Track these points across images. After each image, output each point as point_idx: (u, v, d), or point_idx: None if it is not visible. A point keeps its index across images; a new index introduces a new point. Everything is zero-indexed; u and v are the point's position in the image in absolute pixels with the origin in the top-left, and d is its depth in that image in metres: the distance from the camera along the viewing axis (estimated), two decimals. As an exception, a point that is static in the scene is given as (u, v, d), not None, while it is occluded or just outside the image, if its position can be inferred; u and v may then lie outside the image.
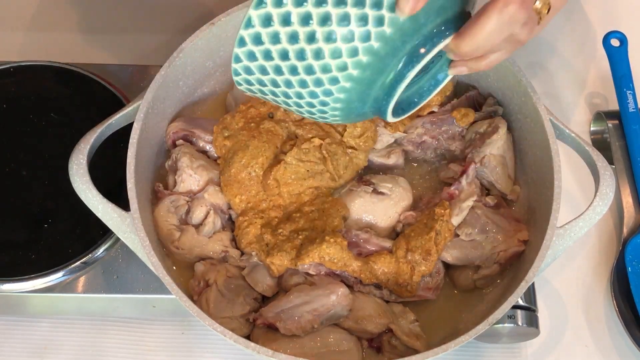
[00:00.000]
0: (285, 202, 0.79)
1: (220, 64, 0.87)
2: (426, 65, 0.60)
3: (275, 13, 0.55)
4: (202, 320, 0.68)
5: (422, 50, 0.56)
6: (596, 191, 0.74)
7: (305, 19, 0.54)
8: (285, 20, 0.55)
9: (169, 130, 0.82)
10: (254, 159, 0.79)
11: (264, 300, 0.77)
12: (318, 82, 0.57)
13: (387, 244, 0.77)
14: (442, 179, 0.84)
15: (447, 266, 0.79)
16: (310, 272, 0.75)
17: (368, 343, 0.76)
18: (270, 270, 0.75)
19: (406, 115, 0.64)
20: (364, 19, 0.54)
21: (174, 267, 0.78)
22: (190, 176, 0.79)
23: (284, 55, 0.56)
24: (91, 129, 0.76)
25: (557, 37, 1.06)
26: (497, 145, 0.80)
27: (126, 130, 0.76)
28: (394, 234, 0.80)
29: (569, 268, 0.90)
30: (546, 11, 0.58)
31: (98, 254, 0.80)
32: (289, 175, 0.78)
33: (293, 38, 0.55)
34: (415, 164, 0.86)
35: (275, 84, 0.59)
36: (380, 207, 0.79)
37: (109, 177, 0.79)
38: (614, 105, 0.96)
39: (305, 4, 0.54)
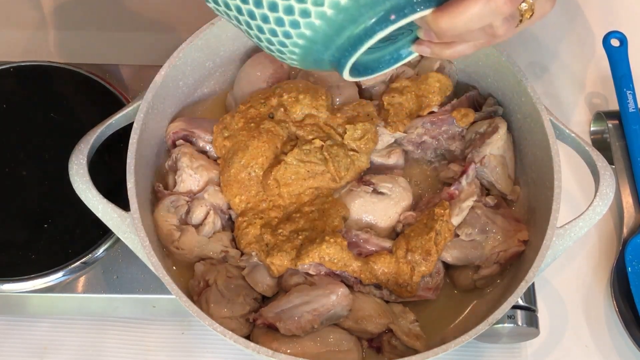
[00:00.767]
0: (285, 202, 0.79)
1: (220, 64, 0.87)
2: (395, 34, 0.59)
3: None
4: (202, 320, 0.68)
5: (398, 14, 0.54)
6: (596, 191, 0.74)
7: None
8: None
9: (169, 130, 0.82)
10: (253, 159, 0.79)
11: (264, 300, 0.77)
12: (289, 10, 0.55)
13: (387, 244, 0.77)
14: (442, 179, 0.84)
15: (447, 266, 0.79)
16: (310, 272, 0.75)
17: (368, 343, 0.76)
18: (270, 271, 0.75)
19: (358, 79, 0.62)
20: None
21: (174, 267, 0.78)
22: (190, 176, 0.79)
23: None
24: (91, 129, 0.76)
25: (557, 37, 1.06)
26: (497, 146, 0.80)
27: (126, 130, 0.76)
28: (394, 234, 0.80)
29: (569, 268, 0.90)
30: (528, 16, 0.58)
31: (98, 254, 0.80)
32: (289, 176, 0.78)
33: None
34: (415, 164, 0.86)
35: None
36: (380, 207, 0.79)
37: (109, 177, 0.79)
38: (614, 105, 0.96)
39: None
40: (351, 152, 0.80)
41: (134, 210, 0.71)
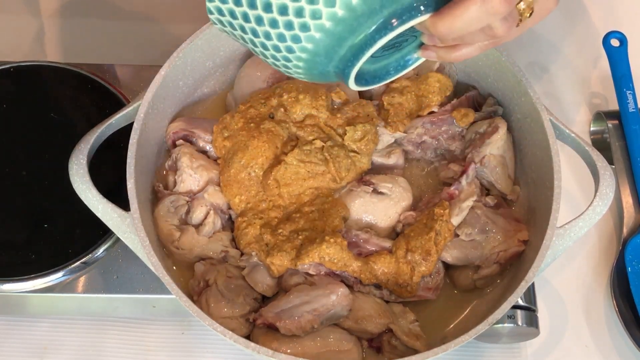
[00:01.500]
0: (285, 202, 0.79)
1: (220, 64, 0.87)
2: (399, 42, 0.59)
3: None
4: (202, 320, 0.68)
5: (396, 21, 0.55)
6: (596, 191, 0.74)
7: None
8: None
9: (169, 130, 0.82)
10: (253, 159, 0.78)
11: (264, 300, 0.77)
12: (289, 25, 0.55)
13: (387, 244, 0.77)
14: (442, 179, 0.84)
15: (447, 266, 0.79)
16: (310, 272, 0.75)
17: (368, 343, 0.76)
18: (270, 271, 0.75)
19: (367, 88, 0.63)
20: None
21: (174, 267, 0.78)
22: (190, 176, 0.79)
23: None
24: (91, 129, 0.76)
25: (557, 37, 1.06)
26: (497, 146, 0.80)
27: (126, 130, 0.76)
28: (394, 234, 0.80)
29: (569, 268, 0.90)
30: (528, 15, 0.58)
31: (98, 254, 0.80)
32: (289, 176, 0.78)
33: None
34: (416, 164, 0.86)
35: (246, 17, 0.57)
36: (380, 207, 0.79)
37: (109, 177, 0.79)
38: (614, 105, 0.96)
39: None
40: (352, 154, 0.80)
41: (134, 210, 0.71)
